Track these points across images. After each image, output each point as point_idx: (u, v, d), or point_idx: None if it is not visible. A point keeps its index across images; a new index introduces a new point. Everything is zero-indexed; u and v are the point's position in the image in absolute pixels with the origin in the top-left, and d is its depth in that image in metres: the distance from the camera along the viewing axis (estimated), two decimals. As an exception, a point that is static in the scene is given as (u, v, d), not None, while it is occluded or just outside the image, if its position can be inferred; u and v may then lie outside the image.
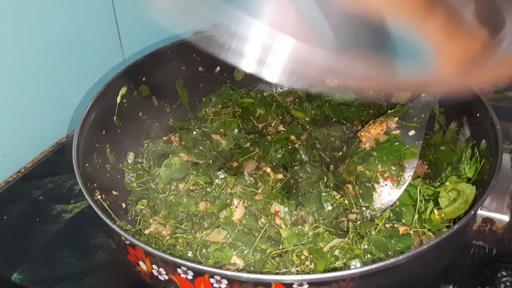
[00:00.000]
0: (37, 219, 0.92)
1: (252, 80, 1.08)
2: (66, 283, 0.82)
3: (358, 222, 0.79)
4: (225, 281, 0.63)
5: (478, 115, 0.82)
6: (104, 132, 0.88)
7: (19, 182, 1.00)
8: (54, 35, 1.00)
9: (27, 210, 0.94)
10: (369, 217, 0.80)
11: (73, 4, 1.02)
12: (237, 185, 0.83)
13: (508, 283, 0.80)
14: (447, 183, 0.77)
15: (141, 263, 0.68)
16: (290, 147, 0.92)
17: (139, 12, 1.13)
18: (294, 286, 0.61)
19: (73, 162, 0.76)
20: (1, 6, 0.90)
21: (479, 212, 0.72)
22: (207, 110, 1.03)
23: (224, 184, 0.84)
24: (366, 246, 0.74)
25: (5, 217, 0.93)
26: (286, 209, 0.81)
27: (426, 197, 0.78)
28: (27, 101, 1.00)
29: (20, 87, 0.98)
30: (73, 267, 0.85)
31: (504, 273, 0.81)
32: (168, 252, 0.76)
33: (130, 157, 0.92)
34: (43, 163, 1.04)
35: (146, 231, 0.81)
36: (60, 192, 0.97)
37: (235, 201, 0.82)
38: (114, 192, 0.86)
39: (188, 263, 0.62)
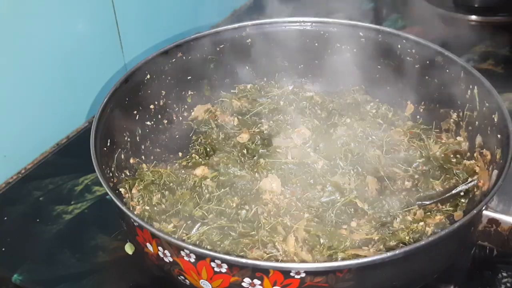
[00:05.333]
0: (38, 220, 0.92)
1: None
2: (67, 284, 0.82)
3: None
4: (225, 266, 0.64)
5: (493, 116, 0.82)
6: (124, 125, 0.90)
7: (20, 183, 1.00)
8: (55, 39, 1.01)
9: (27, 211, 0.94)
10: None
11: (74, 9, 1.03)
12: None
13: (508, 284, 0.80)
14: None
15: (148, 244, 0.70)
16: None
17: (140, 16, 1.15)
18: (291, 274, 0.63)
19: (90, 146, 0.77)
20: (5, 9, 0.90)
21: (485, 212, 0.72)
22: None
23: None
24: None
25: (5, 218, 0.92)
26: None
27: None
28: (27, 102, 1.00)
29: (21, 89, 0.98)
30: (74, 268, 0.84)
31: (504, 274, 0.81)
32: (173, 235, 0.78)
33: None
34: (44, 164, 1.04)
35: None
36: (60, 193, 0.97)
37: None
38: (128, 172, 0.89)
39: (190, 247, 0.65)
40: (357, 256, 0.74)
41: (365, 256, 0.67)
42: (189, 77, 1.02)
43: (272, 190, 0.86)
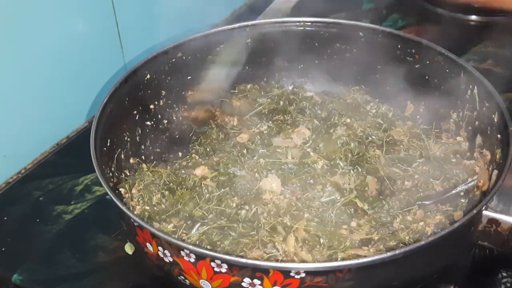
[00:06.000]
0: (38, 220, 0.92)
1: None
2: (67, 284, 0.82)
3: None
4: (225, 266, 0.64)
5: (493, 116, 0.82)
6: (124, 125, 0.90)
7: (20, 183, 1.00)
8: (55, 39, 1.01)
9: (27, 211, 0.94)
10: None
11: (74, 8, 1.03)
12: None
13: (508, 284, 0.80)
14: None
15: (148, 244, 0.70)
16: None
17: (140, 16, 1.15)
18: (291, 274, 0.63)
19: (90, 146, 0.77)
20: (4, 10, 0.90)
21: (485, 212, 0.72)
22: None
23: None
24: None
25: (5, 218, 0.92)
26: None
27: None
28: (27, 102, 1.00)
29: (21, 89, 0.98)
30: (74, 268, 0.85)
31: (504, 274, 0.82)
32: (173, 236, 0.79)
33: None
34: (44, 164, 1.04)
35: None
36: (60, 193, 0.97)
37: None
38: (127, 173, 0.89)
39: (190, 247, 0.65)
40: (357, 256, 0.74)
41: (365, 256, 0.67)
42: (189, 77, 1.02)
43: (272, 190, 0.86)
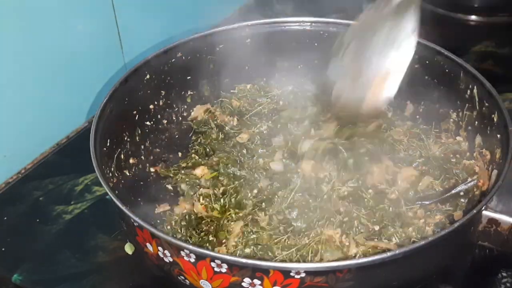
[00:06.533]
0: (38, 220, 0.92)
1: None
2: (67, 284, 0.82)
3: None
4: (225, 266, 0.64)
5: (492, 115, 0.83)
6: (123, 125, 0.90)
7: (20, 183, 1.00)
8: (55, 39, 1.01)
9: (27, 211, 0.94)
10: None
11: (74, 8, 1.03)
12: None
13: (508, 284, 0.80)
14: None
15: (148, 244, 0.70)
16: None
17: (140, 16, 1.15)
18: (291, 274, 0.63)
19: (90, 146, 0.77)
20: (5, 10, 0.90)
21: (485, 212, 0.72)
22: None
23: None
24: None
25: (5, 218, 0.93)
26: None
27: None
28: (27, 102, 1.00)
29: (21, 89, 0.98)
30: (74, 268, 0.85)
31: (504, 274, 0.81)
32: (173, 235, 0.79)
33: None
34: (44, 164, 1.04)
35: None
36: (60, 193, 0.97)
37: None
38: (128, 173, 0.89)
39: (190, 247, 0.65)
40: (376, 248, 0.75)
41: (366, 256, 0.68)
42: (188, 77, 1.02)
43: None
